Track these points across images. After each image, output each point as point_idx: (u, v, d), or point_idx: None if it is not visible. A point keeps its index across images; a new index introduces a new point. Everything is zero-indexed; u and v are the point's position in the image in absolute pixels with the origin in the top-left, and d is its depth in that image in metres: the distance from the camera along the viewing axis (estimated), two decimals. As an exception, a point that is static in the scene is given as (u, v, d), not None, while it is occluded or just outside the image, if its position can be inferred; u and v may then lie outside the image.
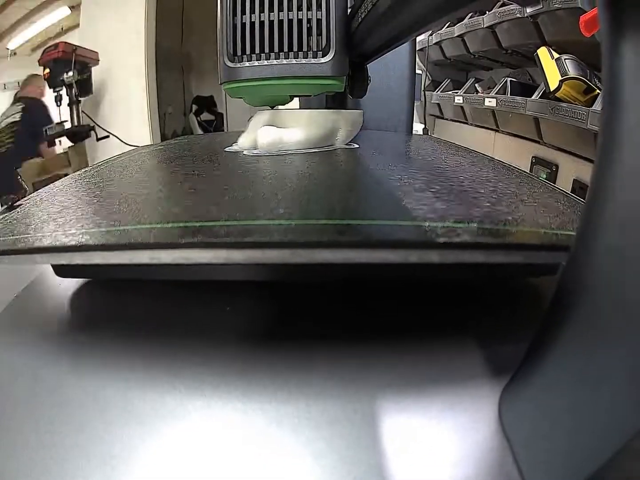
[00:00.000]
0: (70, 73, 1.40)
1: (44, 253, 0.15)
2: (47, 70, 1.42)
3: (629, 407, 0.08)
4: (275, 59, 0.28)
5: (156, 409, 0.13)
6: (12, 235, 0.16)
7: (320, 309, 0.18)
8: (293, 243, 0.12)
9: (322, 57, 0.28)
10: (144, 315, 0.18)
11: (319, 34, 0.28)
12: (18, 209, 0.20)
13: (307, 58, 0.28)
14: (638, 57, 0.08)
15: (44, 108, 1.54)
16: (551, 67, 0.72)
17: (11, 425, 0.13)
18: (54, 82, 1.43)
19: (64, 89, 1.43)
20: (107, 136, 1.53)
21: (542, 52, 0.76)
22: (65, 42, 1.40)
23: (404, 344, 0.16)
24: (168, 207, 0.17)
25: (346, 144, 0.32)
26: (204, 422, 0.13)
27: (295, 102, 0.38)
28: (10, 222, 0.18)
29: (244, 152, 0.30)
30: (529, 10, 0.79)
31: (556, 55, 0.73)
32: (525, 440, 0.12)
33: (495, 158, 0.31)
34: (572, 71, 0.69)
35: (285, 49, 0.28)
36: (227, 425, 0.13)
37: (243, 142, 0.31)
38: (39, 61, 1.43)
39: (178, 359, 0.15)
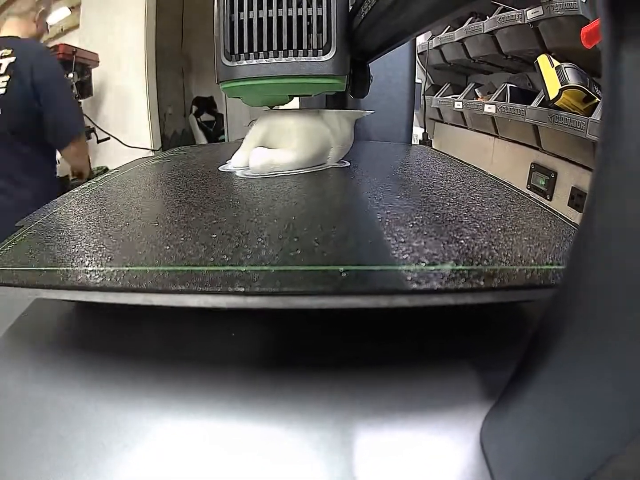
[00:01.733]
0: (71, 75, 1.40)
1: (31, 288, 0.16)
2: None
3: (609, 434, 0.09)
4: (274, 58, 0.27)
5: (142, 426, 0.14)
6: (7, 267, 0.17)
7: (301, 333, 0.18)
8: (270, 292, 0.13)
9: (323, 55, 0.27)
10: (138, 337, 0.19)
11: (320, 31, 0.27)
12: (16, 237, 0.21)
13: (307, 56, 0.27)
14: (638, 61, 0.08)
15: None
16: (551, 75, 0.72)
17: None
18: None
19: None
20: (108, 138, 1.53)
21: (542, 60, 0.75)
22: (66, 44, 1.39)
23: (388, 371, 0.16)
24: (158, 245, 0.18)
25: (338, 162, 0.33)
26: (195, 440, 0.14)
27: (295, 102, 0.37)
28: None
29: (237, 173, 0.30)
30: (529, 16, 0.78)
31: (556, 64, 0.73)
32: (506, 466, 0.12)
33: (489, 174, 0.31)
34: (572, 80, 0.69)
35: (285, 47, 0.27)
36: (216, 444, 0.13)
37: (237, 161, 0.32)
38: (39, 63, 1.43)
39: (170, 381, 0.16)
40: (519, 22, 0.82)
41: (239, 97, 0.32)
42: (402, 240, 0.17)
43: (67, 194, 0.30)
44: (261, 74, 0.27)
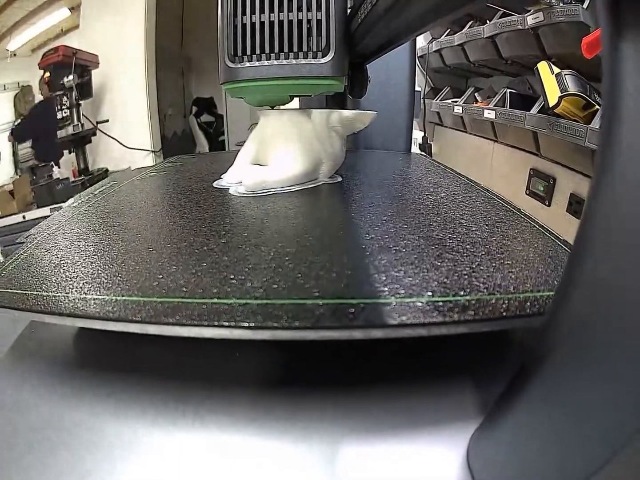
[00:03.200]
0: (71, 77, 1.40)
1: (31, 312, 0.17)
2: (47, 73, 1.42)
3: (592, 454, 0.09)
4: (276, 60, 0.28)
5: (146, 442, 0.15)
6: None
7: (294, 354, 0.19)
8: (254, 326, 0.15)
9: (322, 57, 0.28)
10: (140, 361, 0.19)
11: (319, 34, 0.28)
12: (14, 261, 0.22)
13: (307, 58, 0.28)
14: (637, 58, 0.08)
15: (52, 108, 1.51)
16: (551, 82, 0.72)
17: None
18: (54, 85, 1.43)
19: (64, 92, 1.43)
20: (107, 120, 1.53)
21: (542, 67, 0.75)
22: (65, 46, 1.40)
23: (377, 390, 0.17)
24: (151, 274, 0.19)
25: (330, 177, 0.33)
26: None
27: (295, 102, 0.38)
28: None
29: (231, 191, 0.31)
30: (529, 22, 0.78)
31: (556, 70, 0.73)
32: None
33: (482, 187, 0.31)
34: (571, 87, 0.68)
35: (286, 50, 0.28)
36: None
37: (230, 177, 0.33)
38: (39, 65, 1.43)
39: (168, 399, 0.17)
40: (520, 27, 0.81)
41: (241, 98, 0.33)
42: (382, 270, 0.18)
43: (65, 208, 0.31)
44: (263, 76, 0.28)
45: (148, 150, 1.64)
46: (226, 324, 0.15)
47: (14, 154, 1.83)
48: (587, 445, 0.09)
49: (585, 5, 0.67)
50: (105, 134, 1.58)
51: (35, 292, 0.18)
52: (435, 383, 0.17)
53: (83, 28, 1.58)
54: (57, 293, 0.18)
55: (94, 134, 1.52)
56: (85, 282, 0.18)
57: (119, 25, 1.53)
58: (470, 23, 1.08)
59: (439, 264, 0.18)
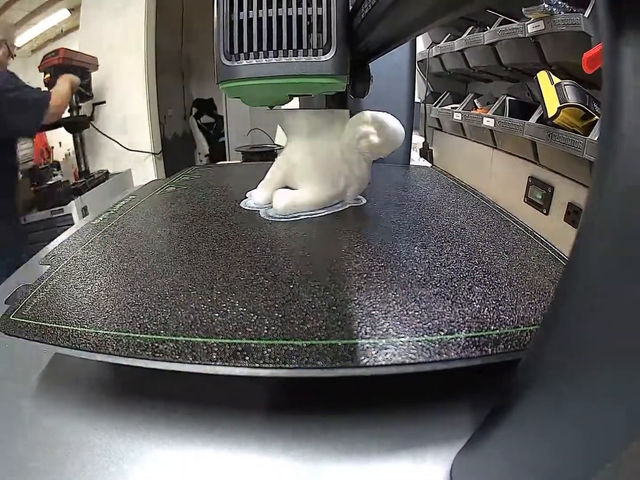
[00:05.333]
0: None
1: (50, 345, 0.17)
2: (48, 76, 1.41)
3: (571, 475, 0.10)
4: (274, 57, 0.27)
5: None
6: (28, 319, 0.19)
7: (292, 385, 0.19)
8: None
9: (323, 55, 0.27)
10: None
11: (320, 31, 0.27)
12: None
13: (307, 56, 0.27)
14: (637, 59, 0.08)
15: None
16: (550, 93, 0.72)
17: None
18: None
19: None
20: (104, 102, 1.53)
21: (542, 77, 0.75)
22: (65, 49, 1.40)
23: (366, 414, 0.17)
24: (185, 311, 0.19)
25: (355, 199, 0.35)
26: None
27: (295, 102, 0.37)
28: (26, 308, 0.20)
29: (261, 213, 0.32)
30: (530, 30, 0.78)
31: (556, 80, 0.73)
32: None
33: (502, 212, 0.33)
34: (571, 98, 0.68)
35: (285, 47, 0.27)
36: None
37: (258, 198, 0.34)
38: (39, 67, 1.43)
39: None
40: (520, 35, 0.81)
41: (238, 97, 0.31)
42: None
43: (86, 225, 0.31)
44: (261, 74, 0.27)
45: (148, 152, 1.63)
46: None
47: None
48: (567, 468, 0.10)
49: (586, 15, 0.67)
50: (106, 135, 1.58)
51: (56, 326, 0.18)
52: (421, 408, 0.18)
53: (83, 29, 1.58)
54: (78, 327, 0.18)
55: (91, 119, 1.51)
56: (106, 319, 0.18)
57: (119, 26, 1.53)
58: (470, 28, 1.08)
59: (472, 297, 0.19)
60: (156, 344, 0.16)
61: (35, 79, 1.53)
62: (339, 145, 0.32)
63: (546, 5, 0.71)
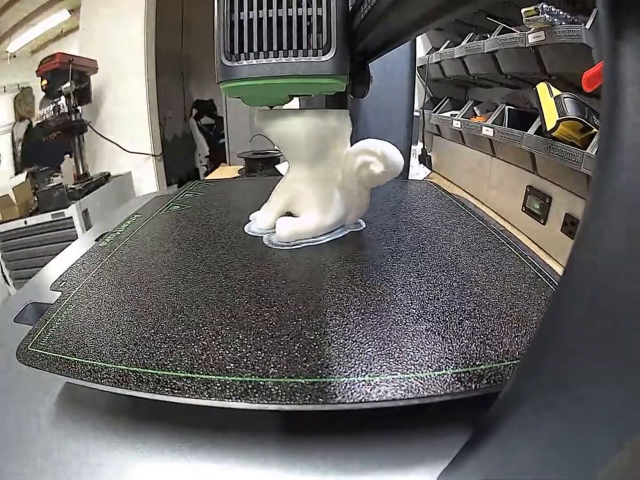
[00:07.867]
0: (68, 84, 1.39)
1: (62, 375, 0.19)
2: (45, 81, 1.41)
3: None
4: (274, 57, 0.27)
5: None
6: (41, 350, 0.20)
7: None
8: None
9: (323, 55, 0.27)
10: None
11: (320, 31, 0.27)
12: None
13: (307, 56, 0.27)
14: (638, 61, 0.08)
15: None
16: (549, 105, 0.72)
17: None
18: (52, 93, 1.42)
19: (63, 99, 1.42)
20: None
21: (542, 89, 0.74)
22: (62, 53, 1.39)
23: (348, 434, 0.18)
24: (184, 345, 0.20)
25: (354, 224, 0.36)
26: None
27: (295, 102, 0.37)
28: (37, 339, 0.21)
29: (264, 240, 0.33)
30: (530, 40, 0.78)
31: (555, 93, 0.73)
32: None
33: (499, 233, 0.33)
34: (570, 111, 0.69)
35: (285, 47, 0.27)
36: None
37: (262, 223, 0.35)
38: (37, 72, 1.42)
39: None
40: (520, 45, 0.81)
41: (238, 97, 0.31)
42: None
43: (94, 248, 0.32)
44: (261, 74, 0.27)
45: (148, 154, 1.63)
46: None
47: (15, 155, 1.83)
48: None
49: (587, 26, 0.67)
50: (106, 138, 1.58)
51: (67, 357, 0.19)
52: (407, 429, 0.18)
53: (83, 30, 1.58)
54: (89, 360, 0.19)
55: (88, 124, 1.50)
56: (116, 353, 0.19)
57: (119, 27, 1.53)
58: (470, 35, 1.08)
59: (461, 332, 0.20)
60: (174, 381, 0.17)
61: (35, 80, 1.54)
62: (340, 171, 0.33)
63: (547, 16, 0.71)
